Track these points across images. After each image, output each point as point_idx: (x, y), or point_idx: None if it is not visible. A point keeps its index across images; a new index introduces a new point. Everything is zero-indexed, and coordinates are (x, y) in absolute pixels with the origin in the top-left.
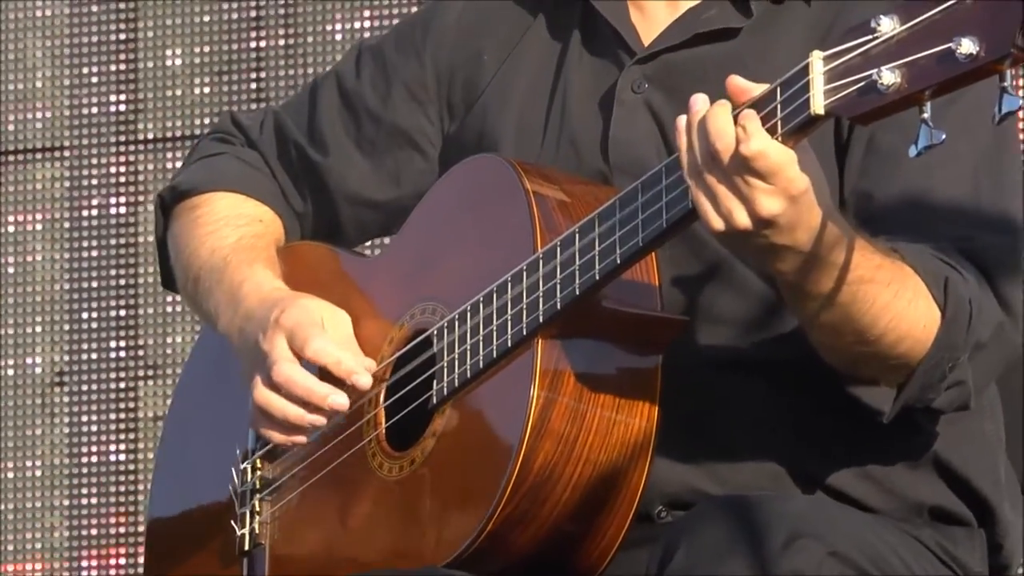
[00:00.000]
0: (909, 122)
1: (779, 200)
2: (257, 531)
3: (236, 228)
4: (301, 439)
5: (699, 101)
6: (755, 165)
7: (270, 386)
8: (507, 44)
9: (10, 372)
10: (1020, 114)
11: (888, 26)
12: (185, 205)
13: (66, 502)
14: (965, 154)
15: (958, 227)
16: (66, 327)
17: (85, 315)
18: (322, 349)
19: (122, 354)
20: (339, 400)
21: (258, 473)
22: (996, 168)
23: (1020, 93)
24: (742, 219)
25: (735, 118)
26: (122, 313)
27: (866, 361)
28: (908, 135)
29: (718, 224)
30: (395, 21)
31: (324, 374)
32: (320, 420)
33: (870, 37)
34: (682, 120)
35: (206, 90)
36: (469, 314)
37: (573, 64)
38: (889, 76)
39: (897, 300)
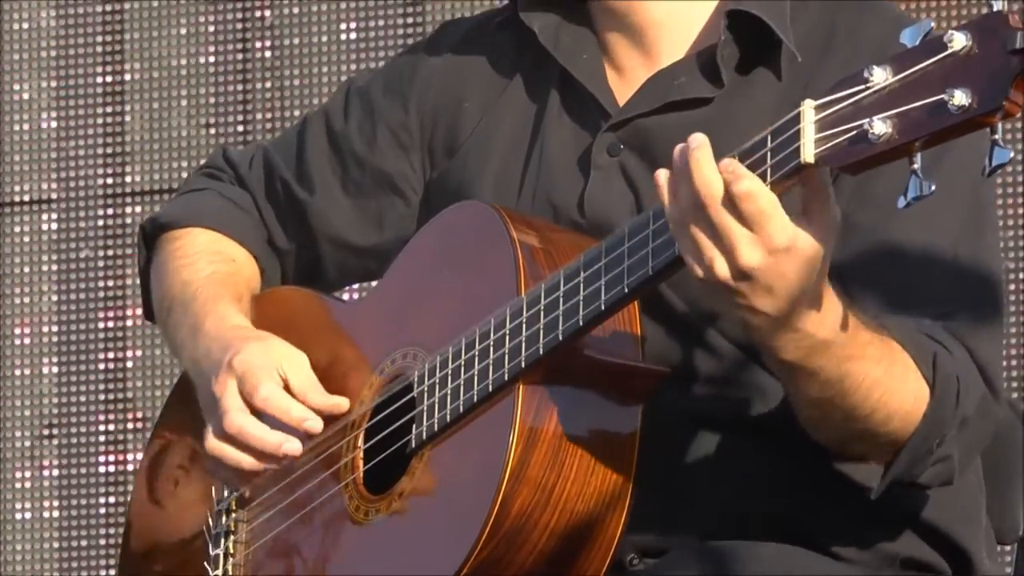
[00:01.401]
0: (886, 198)
1: (759, 251)
2: (231, 573)
3: (210, 263)
4: (258, 481)
5: (680, 152)
6: (742, 206)
7: (222, 436)
8: (489, 96)
9: None
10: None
11: (881, 76)
12: (165, 238)
13: (55, 544)
14: (946, 221)
15: (940, 300)
16: (54, 370)
17: (72, 357)
18: (270, 396)
19: (115, 395)
20: (293, 447)
21: (232, 515)
22: (977, 235)
23: (1021, 141)
24: (722, 269)
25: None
26: (111, 356)
27: (856, 438)
28: (886, 210)
29: (699, 272)
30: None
31: None
32: (275, 466)
33: (863, 87)
34: (662, 174)
35: (192, 132)
36: (450, 358)
37: (551, 123)
38: (880, 126)
39: (887, 377)
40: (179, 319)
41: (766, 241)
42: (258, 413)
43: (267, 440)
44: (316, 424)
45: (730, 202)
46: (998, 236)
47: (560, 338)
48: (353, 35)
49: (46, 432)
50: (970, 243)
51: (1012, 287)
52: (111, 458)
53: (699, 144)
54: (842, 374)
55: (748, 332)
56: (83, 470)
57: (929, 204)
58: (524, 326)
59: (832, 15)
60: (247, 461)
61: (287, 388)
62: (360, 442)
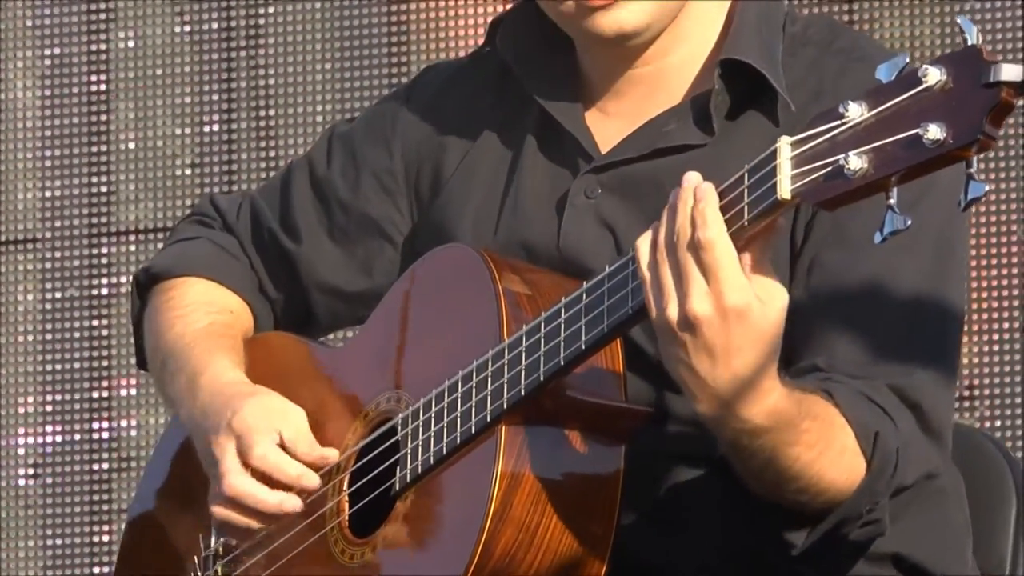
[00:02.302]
0: (855, 242)
1: (708, 303)
2: None
3: (206, 314)
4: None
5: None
6: (701, 255)
7: (222, 499)
8: (470, 135)
9: None
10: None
11: (856, 112)
12: (159, 288)
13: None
14: (908, 277)
15: (896, 360)
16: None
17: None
18: (265, 456)
19: (100, 435)
20: (292, 504)
21: (220, 561)
22: (938, 293)
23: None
24: (672, 312)
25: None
26: (96, 395)
27: (789, 501)
28: (854, 255)
29: (652, 311)
30: (365, 104)
31: None
32: (276, 523)
33: (838, 123)
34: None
35: (177, 172)
36: (433, 401)
37: (528, 164)
38: (856, 161)
39: (821, 459)
40: (175, 371)
41: (717, 295)
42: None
43: (266, 501)
44: (312, 480)
45: (694, 246)
46: (962, 305)
47: (542, 379)
48: (337, 74)
49: (31, 472)
50: (933, 290)
51: (1013, 288)
52: (94, 498)
53: (689, 183)
54: (773, 456)
55: (685, 396)
56: (66, 508)
57: (896, 249)
58: (506, 368)
59: (822, 64)
60: (249, 522)
61: (281, 444)
62: (345, 486)
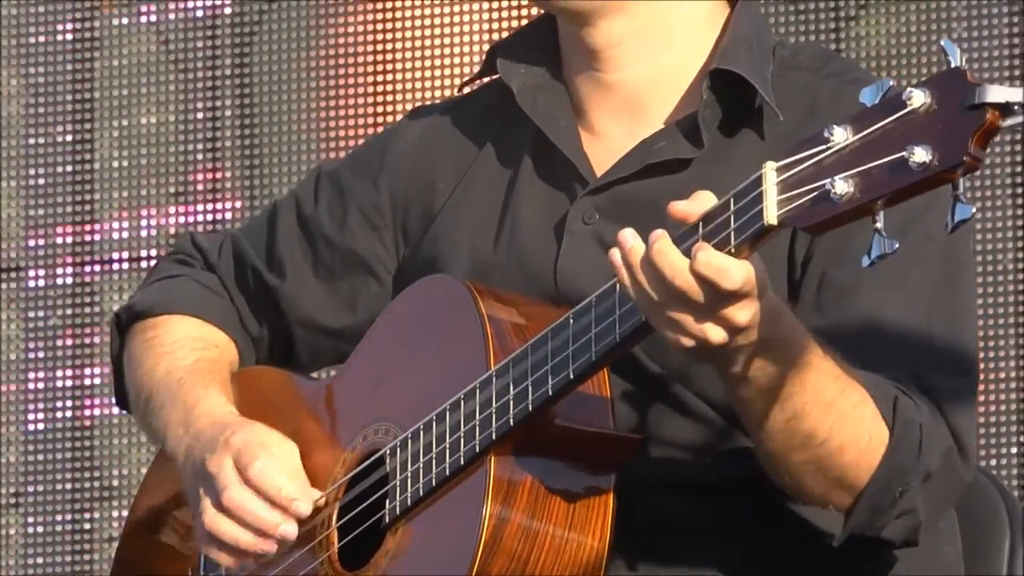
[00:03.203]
0: (859, 257)
1: (750, 309)
2: None
3: (193, 351)
4: (250, 563)
5: (630, 238)
6: (723, 287)
7: (220, 510)
8: (460, 168)
9: None
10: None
11: (841, 136)
12: (141, 326)
13: None
14: (919, 288)
15: (912, 365)
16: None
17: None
18: (263, 471)
19: (83, 484)
20: (288, 529)
21: None
22: (950, 302)
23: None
24: (717, 335)
25: (689, 249)
26: (79, 435)
27: (812, 471)
28: (859, 270)
29: (689, 343)
30: (350, 142)
31: None
32: (271, 547)
33: (823, 147)
34: (616, 254)
35: (163, 211)
36: (422, 432)
37: (524, 189)
38: (842, 185)
39: (842, 400)
40: (162, 404)
41: (751, 297)
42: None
43: (264, 519)
44: (306, 507)
45: (710, 286)
46: (974, 313)
47: (530, 408)
48: (323, 103)
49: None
50: (944, 308)
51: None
52: (75, 516)
53: (658, 237)
54: (800, 386)
55: (676, 421)
56: (47, 528)
57: (903, 267)
58: (494, 398)
59: (815, 86)
60: (245, 539)
61: None
62: (334, 518)
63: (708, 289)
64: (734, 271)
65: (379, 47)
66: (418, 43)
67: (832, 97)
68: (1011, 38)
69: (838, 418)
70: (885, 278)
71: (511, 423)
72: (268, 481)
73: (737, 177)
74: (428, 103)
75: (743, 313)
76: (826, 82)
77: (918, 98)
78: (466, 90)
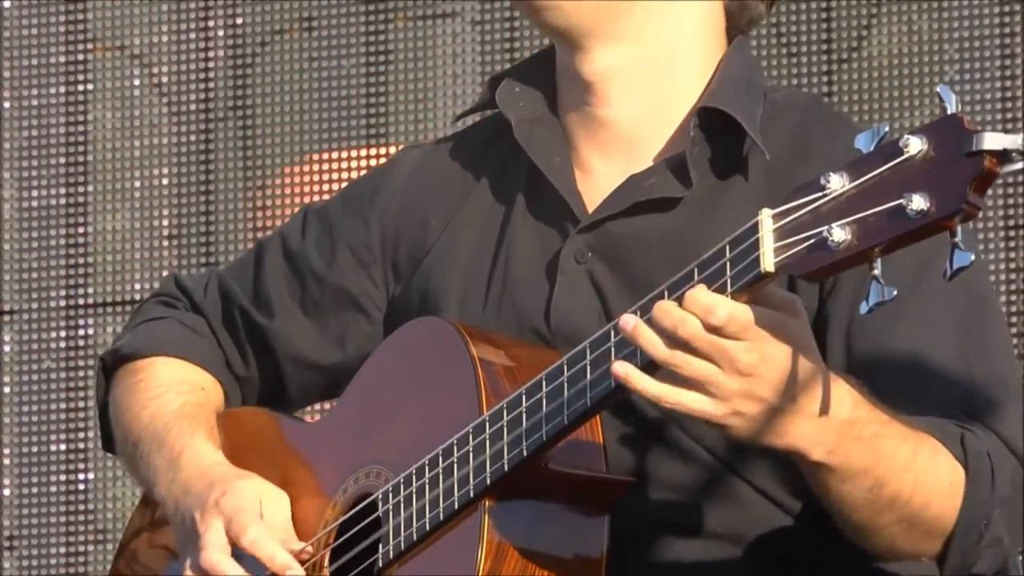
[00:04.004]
0: (888, 307)
1: (756, 352)
2: None
3: (179, 395)
4: None
5: (631, 321)
6: (729, 330)
7: (197, 571)
8: (452, 206)
9: None
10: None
11: (838, 183)
12: (127, 369)
13: None
14: (948, 326)
15: (953, 399)
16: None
17: (43, 478)
18: (257, 540)
19: (76, 517)
20: None
21: None
22: (980, 334)
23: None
24: (730, 384)
25: (683, 299)
26: (64, 478)
27: (902, 533)
28: (889, 313)
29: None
30: (344, 177)
31: None
32: None
33: (820, 194)
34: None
35: (155, 253)
36: (414, 477)
37: (517, 227)
38: (840, 233)
39: (916, 457)
40: (150, 451)
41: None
42: (239, 555)
43: None
44: (297, 571)
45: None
46: (1008, 342)
47: (524, 454)
48: (316, 146)
49: (7, 546)
50: (977, 341)
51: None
52: (71, 570)
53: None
54: (873, 458)
55: (670, 462)
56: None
57: (928, 305)
58: (488, 443)
59: (808, 127)
60: None
61: None
62: (326, 563)
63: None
64: (718, 306)
65: (372, 88)
66: (411, 83)
67: (825, 137)
68: (1003, 80)
69: (917, 476)
70: (912, 320)
71: (505, 469)
72: (261, 551)
73: (726, 220)
74: (420, 142)
75: (748, 355)
76: (818, 124)
77: (915, 145)
78: (460, 124)
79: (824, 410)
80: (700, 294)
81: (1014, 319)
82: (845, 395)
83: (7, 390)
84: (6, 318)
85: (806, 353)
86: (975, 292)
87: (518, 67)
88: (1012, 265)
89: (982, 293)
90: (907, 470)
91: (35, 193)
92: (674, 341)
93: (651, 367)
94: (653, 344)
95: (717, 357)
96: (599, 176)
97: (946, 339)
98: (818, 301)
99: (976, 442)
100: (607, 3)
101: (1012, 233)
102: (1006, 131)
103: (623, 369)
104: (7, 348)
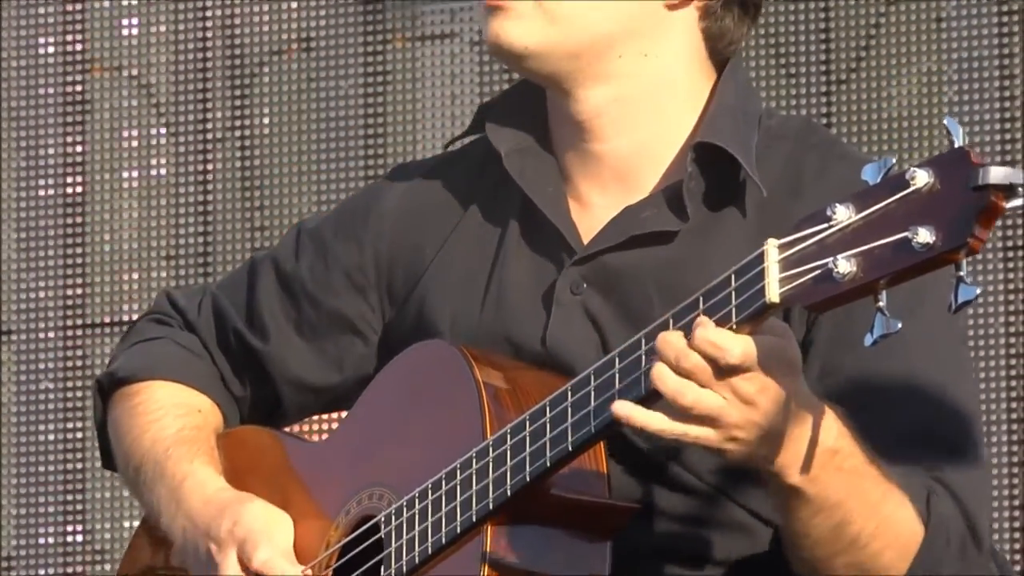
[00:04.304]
0: (862, 344)
1: (755, 382)
2: None
3: (176, 418)
4: None
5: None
6: (725, 362)
7: None
8: (445, 228)
9: None
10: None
11: (843, 215)
12: (124, 392)
13: None
14: (928, 365)
15: (926, 448)
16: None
17: (32, 489)
18: (268, 562)
19: (74, 538)
20: None
21: None
22: (959, 377)
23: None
24: (731, 412)
25: (689, 325)
26: (62, 498)
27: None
28: (866, 353)
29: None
30: (342, 196)
31: None
32: None
33: (826, 225)
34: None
35: (153, 274)
36: (417, 500)
37: (511, 255)
38: (845, 265)
39: (885, 504)
40: (153, 478)
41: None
42: None
43: None
44: None
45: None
46: (978, 401)
47: (527, 479)
48: (315, 166)
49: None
50: (953, 386)
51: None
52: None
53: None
54: (847, 492)
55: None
56: None
57: (909, 348)
58: (491, 467)
59: (800, 158)
60: None
61: None
62: None
63: (712, 365)
64: (733, 347)
65: (370, 109)
66: (409, 104)
67: (817, 174)
68: (1001, 102)
69: (880, 522)
70: (891, 360)
71: (508, 493)
72: (272, 570)
73: (721, 252)
74: (414, 160)
75: (750, 384)
76: (811, 155)
77: (921, 178)
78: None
79: (813, 437)
80: (711, 333)
81: (1012, 339)
82: (832, 424)
83: (4, 410)
84: (3, 338)
85: (798, 378)
86: (957, 338)
87: (507, 96)
88: (1011, 286)
89: (962, 338)
90: (874, 514)
91: (32, 214)
92: (679, 372)
93: (654, 396)
94: (662, 378)
95: (721, 389)
96: (595, 207)
97: (924, 385)
98: (805, 328)
99: (939, 504)
100: (583, 47)
101: (1011, 254)
102: (1005, 152)
103: (624, 410)
104: (4, 368)
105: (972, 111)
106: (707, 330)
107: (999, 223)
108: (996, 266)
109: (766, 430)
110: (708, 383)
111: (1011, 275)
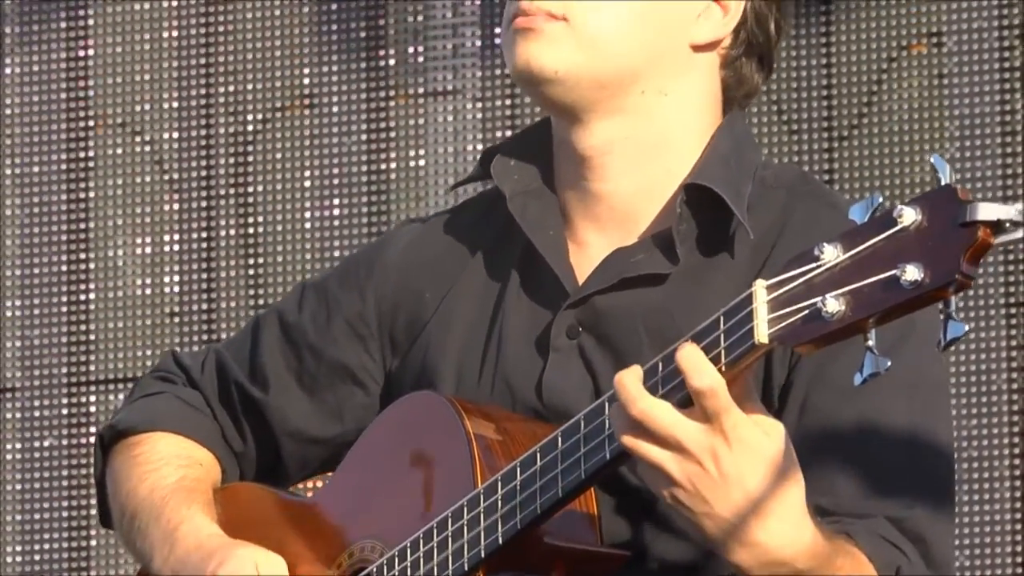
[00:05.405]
0: (842, 380)
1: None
2: None
3: (177, 468)
4: None
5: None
6: (705, 402)
7: None
8: (448, 280)
9: None
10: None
11: (832, 254)
12: (124, 444)
13: None
14: (899, 415)
15: (896, 495)
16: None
17: (36, 546)
18: None
19: None
20: None
21: None
22: (933, 421)
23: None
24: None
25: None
26: (74, 555)
27: None
28: (844, 396)
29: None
30: (347, 252)
31: None
32: None
33: (814, 265)
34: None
35: (157, 330)
36: (409, 551)
37: (511, 304)
38: (834, 304)
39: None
40: (147, 524)
41: (727, 432)
42: None
43: None
44: None
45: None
46: (951, 439)
47: (519, 527)
48: (318, 223)
49: None
50: (927, 432)
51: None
52: None
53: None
54: (802, 554)
55: (666, 535)
56: None
57: (886, 393)
58: (483, 516)
59: (792, 205)
60: None
61: None
62: None
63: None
64: (706, 371)
65: (373, 165)
66: (412, 160)
67: (807, 220)
68: (1004, 158)
69: None
70: (867, 404)
71: (499, 541)
72: None
73: (712, 297)
74: (417, 217)
75: (725, 419)
76: (803, 202)
77: (909, 215)
78: (456, 197)
79: (779, 556)
80: (692, 351)
81: (1015, 396)
82: (806, 533)
83: (7, 467)
84: (6, 395)
85: (783, 485)
86: (932, 383)
87: (513, 140)
88: (1014, 343)
89: (939, 382)
90: None
91: (36, 271)
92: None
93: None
94: (616, 420)
95: (671, 442)
96: (593, 249)
97: (897, 442)
98: (787, 371)
99: (910, 569)
100: (610, 76)
101: (1013, 311)
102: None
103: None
104: (9, 424)
105: (974, 168)
106: (689, 348)
107: (1002, 279)
108: (999, 322)
109: (713, 503)
110: (662, 434)
111: (1014, 331)
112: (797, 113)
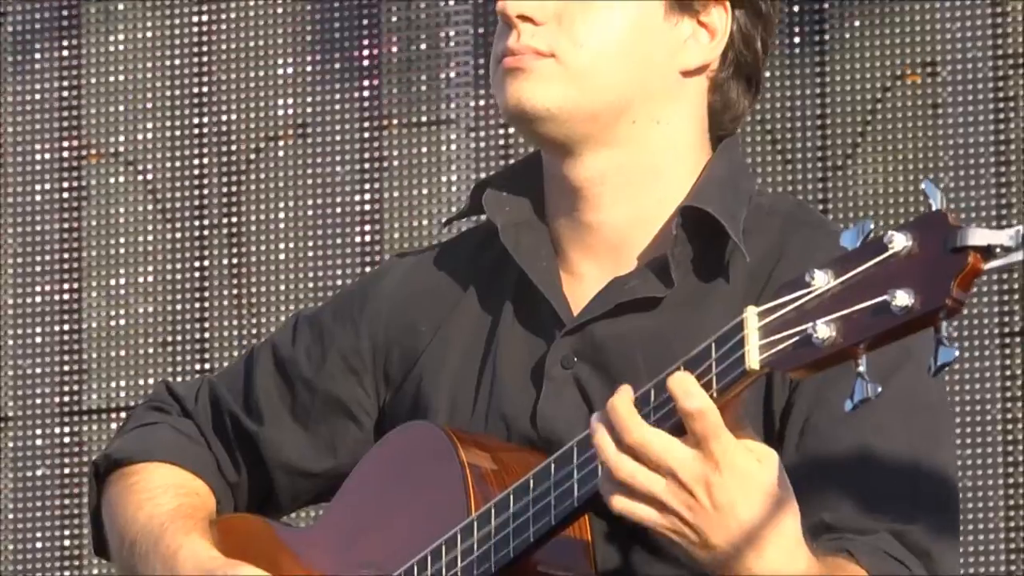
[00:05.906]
0: (842, 403)
1: (709, 468)
2: None
3: (174, 496)
4: None
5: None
6: (693, 424)
7: None
8: (442, 312)
9: None
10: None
11: (822, 280)
12: (120, 473)
13: None
14: (902, 431)
15: (898, 514)
16: None
17: None
18: None
19: None
20: None
21: None
22: (934, 443)
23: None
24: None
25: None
26: (67, 574)
27: None
28: (845, 418)
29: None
30: (338, 284)
31: None
32: None
33: (805, 291)
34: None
35: (150, 360)
36: None
37: (505, 335)
38: (824, 330)
39: None
40: (146, 552)
41: (718, 458)
42: None
43: None
44: None
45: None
46: (952, 441)
47: (512, 555)
48: (311, 252)
49: None
50: (927, 451)
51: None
52: None
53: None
54: None
55: (659, 561)
56: None
57: (885, 414)
58: (476, 545)
59: (788, 231)
60: None
61: None
62: None
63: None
64: (696, 394)
65: (367, 195)
66: (406, 190)
67: (804, 247)
68: (998, 188)
69: None
70: (866, 425)
71: (492, 570)
72: None
73: (707, 322)
74: (411, 249)
75: (715, 444)
76: (799, 229)
77: (899, 241)
78: (449, 231)
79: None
80: (682, 376)
81: (1009, 426)
82: (801, 562)
83: (1, 496)
84: (2, 424)
85: (779, 515)
86: (934, 404)
87: (503, 173)
88: (1007, 372)
89: (940, 404)
90: None
91: (30, 288)
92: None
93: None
94: (602, 446)
95: (663, 470)
96: (587, 280)
97: (897, 450)
98: (787, 393)
99: None
100: (602, 109)
101: (1007, 340)
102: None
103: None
104: (3, 454)
105: (969, 197)
106: (681, 375)
107: (996, 308)
108: (992, 352)
109: (707, 533)
110: (654, 461)
111: (1007, 361)
112: (792, 143)
